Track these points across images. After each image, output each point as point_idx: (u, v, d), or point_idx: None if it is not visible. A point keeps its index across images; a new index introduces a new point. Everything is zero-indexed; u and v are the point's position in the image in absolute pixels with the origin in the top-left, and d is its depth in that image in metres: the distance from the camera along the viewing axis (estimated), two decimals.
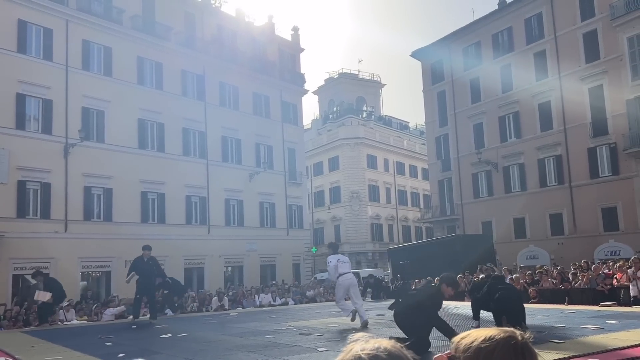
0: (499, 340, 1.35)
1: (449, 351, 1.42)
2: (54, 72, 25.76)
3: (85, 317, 18.00)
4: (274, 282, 29.56)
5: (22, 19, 25.09)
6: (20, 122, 24.52)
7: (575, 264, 19.09)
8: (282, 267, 35.15)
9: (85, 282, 26.62)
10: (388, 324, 11.35)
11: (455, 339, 1.41)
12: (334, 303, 20.17)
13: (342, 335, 9.43)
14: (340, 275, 11.19)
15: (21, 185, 24.09)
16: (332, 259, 11.35)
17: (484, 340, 1.36)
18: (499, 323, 9.18)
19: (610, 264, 17.61)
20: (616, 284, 15.12)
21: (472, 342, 1.37)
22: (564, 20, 32.26)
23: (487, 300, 9.49)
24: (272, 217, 35.61)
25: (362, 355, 1.13)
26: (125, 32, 28.84)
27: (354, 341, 1.20)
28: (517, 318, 8.74)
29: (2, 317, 17.38)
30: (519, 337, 1.38)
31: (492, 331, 1.40)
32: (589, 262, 18.75)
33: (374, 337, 1.21)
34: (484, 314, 9.99)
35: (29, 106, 24.98)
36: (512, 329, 1.41)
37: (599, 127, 30.18)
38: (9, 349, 9.16)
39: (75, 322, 16.33)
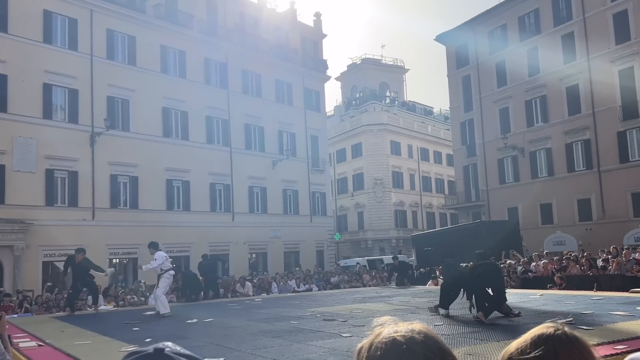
0: (544, 337, 1.25)
1: None
2: (79, 61, 26.07)
3: (113, 303, 18.33)
4: (297, 268, 29.71)
5: (48, 9, 25.39)
6: (48, 111, 24.93)
7: (605, 250, 18.76)
8: (305, 254, 35.27)
9: (112, 269, 27.00)
10: (413, 310, 11.30)
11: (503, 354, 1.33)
12: (358, 289, 20.20)
13: (366, 321, 9.41)
14: (166, 270, 12.84)
15: (49, 174, 24.53)
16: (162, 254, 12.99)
17: (531, 345, 1.25)
18: (481, 300, 9.26)
19: None
20: None
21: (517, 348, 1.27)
22: (593, 0, 31.40)
23: (471, 279, 9.73)
24: (296, 204, 35.70)
25: (397, 337, 1.07)
26: (149, 21, 29.00)
27: (380, 324, 1.15)
28: (499, 293, 9.28)
29: (32, 302, 17.79)
30: (559, 330, 1.28)
31: (530, 334, 1.29)
32: (619, 248, 18.40)
33: (399, 320, 1.16)
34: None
35: (56, 96, 25.37)
36: (546, 323, 1.32)
37: (630, 110, 29.41)
38: (39, 333, 9.37)
39: (103, 307, 16.63)
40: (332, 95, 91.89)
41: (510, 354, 1.30)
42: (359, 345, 1.14)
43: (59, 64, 25.23)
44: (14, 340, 8.19)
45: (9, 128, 23.29)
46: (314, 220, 36.66)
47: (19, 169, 23.44)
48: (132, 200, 27.34)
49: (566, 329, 1.30)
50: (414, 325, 1.11)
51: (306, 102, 37.56)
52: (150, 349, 0.97)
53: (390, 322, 1.15)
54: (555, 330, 1.29)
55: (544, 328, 1.31)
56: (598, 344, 6.33)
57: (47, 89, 24.95)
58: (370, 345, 1.11)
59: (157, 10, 29.54)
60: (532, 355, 1.23)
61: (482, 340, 7.19)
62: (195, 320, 11.03)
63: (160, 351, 0.96)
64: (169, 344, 1.00)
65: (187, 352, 0.99)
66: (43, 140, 24.20)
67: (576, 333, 1.30)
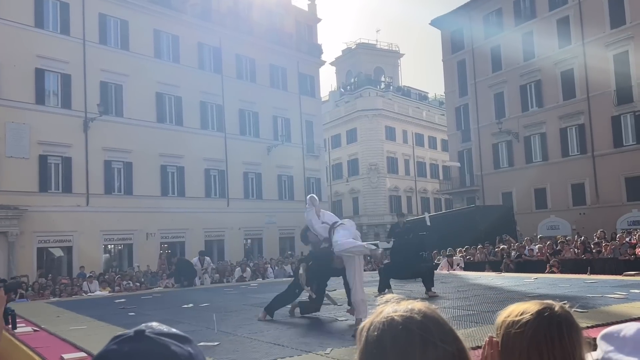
0: (533, 312, 1.30)
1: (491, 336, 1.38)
2: (71, 46, 25.79)
3: (108, 289, 18.34)
4: (289, 252, 29.79)
5: None
6: (40, 97, 24.71)
7: (596, 235, 18.85)
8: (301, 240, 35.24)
9: (107, 255, 27.07)
10: (408, 295, 11.35)
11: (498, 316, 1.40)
12: None
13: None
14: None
15: (42, 160, 24.38)
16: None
17: (518, 314, 1.31)
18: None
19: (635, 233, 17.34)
20: None
21: (507, 317, 1.34)
22: None
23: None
24: (291, 190, 35.67)
25: (395, 317, 1.05)
26: (142, 5, 28.67)
27: (383, 303, 1.13)
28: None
29: (28, 288, 17.78)
30: (557, 309, 1.30)
31: (528, 304, 1.34)
32: (613, 234, 18.51)
33: (404, 298, 1.14)
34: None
35: (48, 81, 25.13)
36: (550, 300, 1.35)
37: (624, 95, 29.44)
38: (34, 319, 9.35)
39: (98, 293, 16.66)
40: (327, 80, 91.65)
41: (500, 317, 1.38)
42: (362, 323, 1.13)
43: (51, 49, 24.95)
44: (8, 326, 8.17)
45: (0, 114, 23.07)
46: None
47: (11, 155, 23.28)
48: (126, 186, 27.24)
49: (563, 310, 1.33)
50: (415, 305, 1.09)
51: (301, 87, 37.37)
52: (131, 331, 0.92)
53: (393, 300, 1.13)
54: (559, 309, 1.32)
55: (545, 304, 1.34)
56: (593, 326, 6.37)
57: (39, 74, 24.70)
58: (371, 324, 1.10)
59: None
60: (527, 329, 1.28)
61: (476, 323, 7.22)
62: (191, 304, 11.04)
63: (140, 333, 0.91)
64: (154, 324, 0.94)
65: (174, 332, 0.94)
66: (36, 126, 24.00)
67: (571, 319, 1.33)
